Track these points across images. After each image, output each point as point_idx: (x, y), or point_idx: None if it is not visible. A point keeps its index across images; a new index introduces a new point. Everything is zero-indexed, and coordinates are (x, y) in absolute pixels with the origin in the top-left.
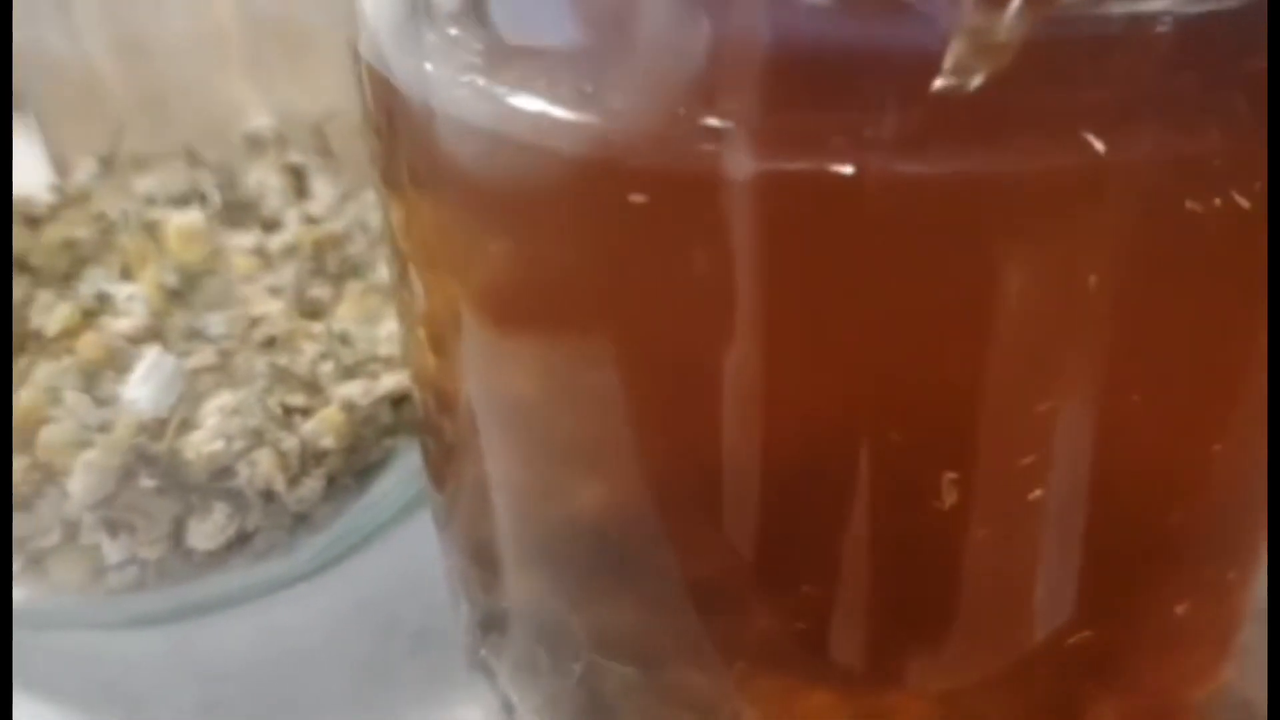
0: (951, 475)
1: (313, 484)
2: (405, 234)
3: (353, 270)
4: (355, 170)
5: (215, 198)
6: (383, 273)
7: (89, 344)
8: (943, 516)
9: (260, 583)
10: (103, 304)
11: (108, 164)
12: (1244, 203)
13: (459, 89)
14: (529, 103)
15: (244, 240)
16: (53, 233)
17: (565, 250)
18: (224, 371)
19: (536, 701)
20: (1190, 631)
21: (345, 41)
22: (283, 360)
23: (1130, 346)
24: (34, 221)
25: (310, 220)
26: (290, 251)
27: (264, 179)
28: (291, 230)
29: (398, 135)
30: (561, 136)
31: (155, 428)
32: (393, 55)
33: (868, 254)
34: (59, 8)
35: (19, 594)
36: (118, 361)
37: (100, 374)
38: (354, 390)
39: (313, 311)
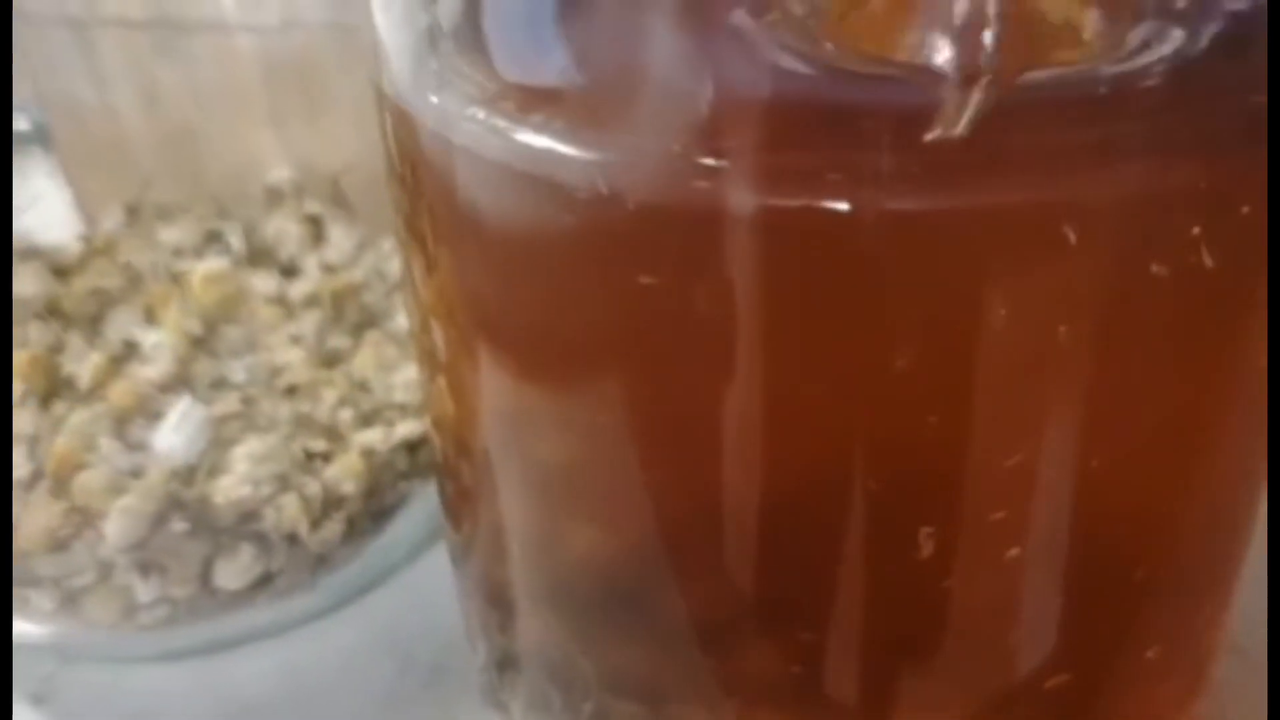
0: (928, 529)
1: (333, 527)
2: (426, 282)
3: (370, 320)
4: (371, 221)
5: (238, 247)
6: (399, 322)
7: (120, 392)
8: (925, 566)
9: (282, 619)
10: (129, 350)
11: (133, 213)
12: (1209, 261)
13: (466, 122)
14: (530, 138)
15: (266, 288)
16: (81, 282)
17: (572, 287)
18: (248, 418)
19: None
20: (1162, 671)
21: (368, 78)
22: (304, 407)
23: (1099, 403)
24: (64, 271)
25: (328, 268)
26: (311, 301)
27: (283, 228)
28: (311, 277)
29: (418, 172)
30: (562, 171)
31: (186, 474)
32: (410, 89)
33: (854, 293)
34: (86, 59)
35: (54, 629)
36: (147, 408)
37: (131, 420)
38: (373, 437)
39: (332, 360)
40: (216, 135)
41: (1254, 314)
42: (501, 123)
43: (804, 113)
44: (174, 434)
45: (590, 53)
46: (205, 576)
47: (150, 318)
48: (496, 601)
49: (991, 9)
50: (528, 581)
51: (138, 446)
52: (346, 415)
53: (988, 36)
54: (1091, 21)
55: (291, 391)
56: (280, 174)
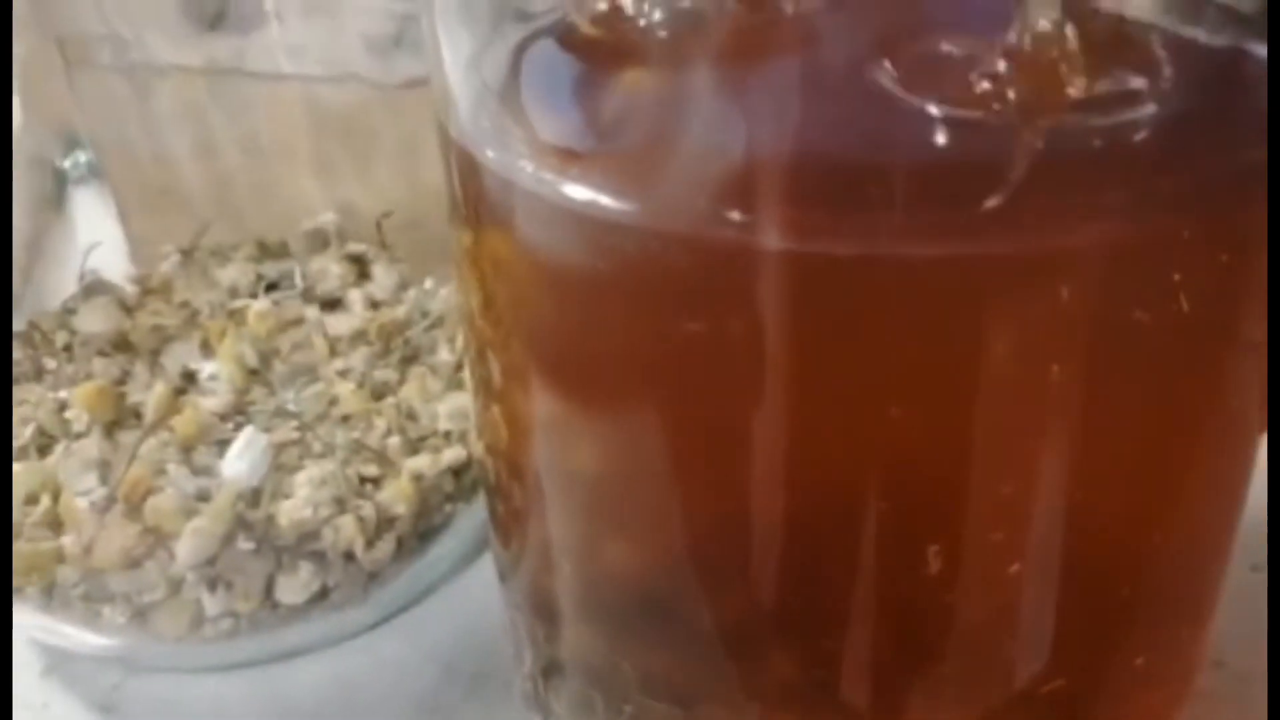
0: (935, 547)
1: (385, 546)
2: (483, 314)
3: (415, 354)
4: (411, 260)
5: (289, 286)
6: (441, 356)
7: (185, 421)
8: (932, 581)
9: (335, 632)
10: (188, 381)
11: (188, 255)
12: (1187, 306)
13: (518, 172)
14: (571, 189)
15: (316, 325)
16: (144, 318)
17: (615, 320)
18: (304, 445)
19: None
20: (1149, 679)
21: (435, 121)
22: (357, 435)
23: (1088, 436)
24: (129, 307)
25: (373, 303)
26: (359, 336)
27: (327, 268)
28: (356, 311)
29: (479, 210)
30: (603, 218)
31: (251, 497)
32: (473, 135)
33: (865, 337)
34: (141, 107)
35: (123, 641)
36: (209, 436)
37: (195, 448)
38: (422, 463)
39: (380, 392)
40: (265, 180)
41: (1230, 354)
42: (546, 175)
43: (821, 161)
44: (239, 460)
45: (615, 117)
46: (268, 592)
47: (207, 352)
48: (543, 612)
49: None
50: (572, 593)
51: (203, 472)
52: (395, 442)
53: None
54: (1081, 80)
55: (345, 420)
56: (325, 218)
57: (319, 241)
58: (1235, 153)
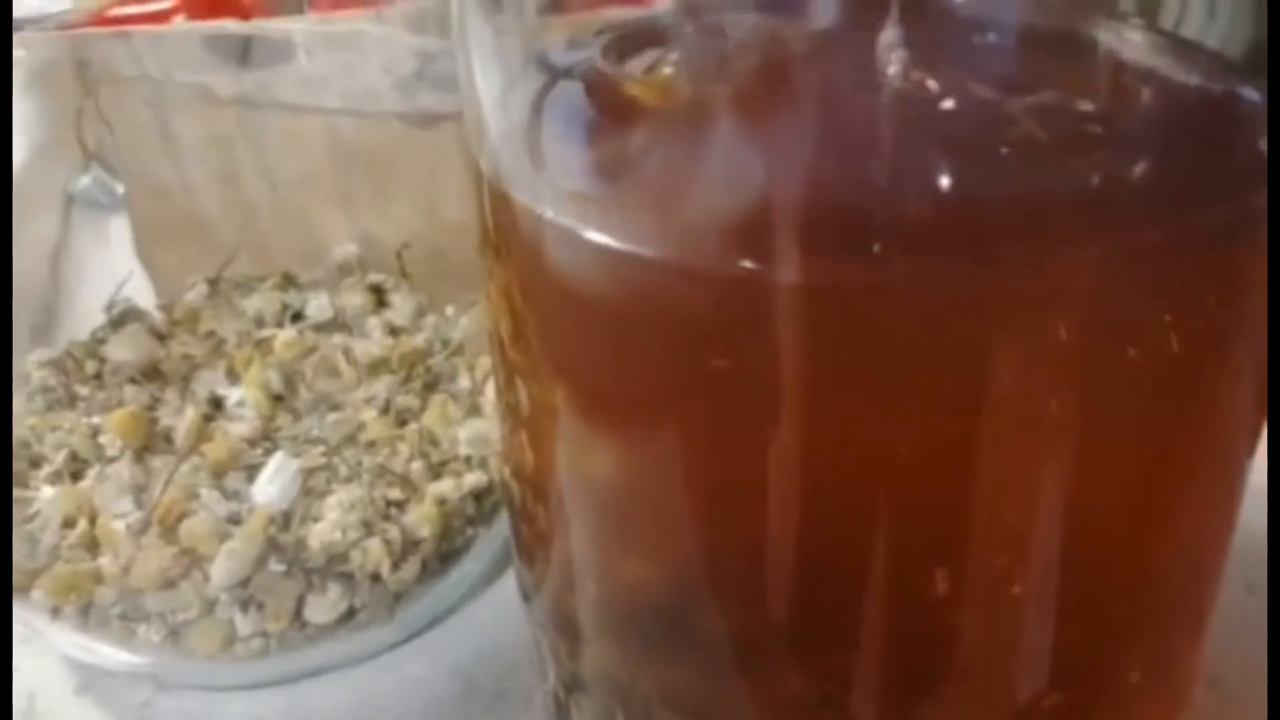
0: (943, 570)
1: (410, 567)
2: (513, 342)
3: (435, 381)
4: (429, 290)
5: (315, 315)
6: (461, 383)
7: (216, 448)
8: (940, 601)
9: (360, 651)
10: (216, 407)
11: (214, 286)
12: (1177, 346)
13: (542, 212)
14: (590, 232)
15: (339, 353)
16: (175, 346)
17: (637, 350)
18: (331, 470)
19: None
20: (1144, 693)
21: (466, 154)
22: (381, 461)
23: (1084, 466)
24: (160, 336)
25: (391, 329)
26: (381, 364)
27: (351, 297)
28: (377, 339)
29: (510, 243)
30: (622, 256)
31: (282, 520)
32: (502, 170)
33: (873, 372)
34: (166, 142)
35: (156, 659)
36: (238, 461)
37: (226, 473)
38: (445, 487)
39: (403, 419)
40: (288, 212)
41: (1218, 388)
42: (565, 219)
43: (823, 207)
44: (270, 485)
45: (630, 161)
46: (298, 612)
47: (234, 379)
48: (566, 629)
49: None
50: (594, 611)
51: (233, 495)
52: (418, 467)
53: None
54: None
55: (371, 446)
56: (348, 249)
57: (342, 272)
58: (1228, 199)
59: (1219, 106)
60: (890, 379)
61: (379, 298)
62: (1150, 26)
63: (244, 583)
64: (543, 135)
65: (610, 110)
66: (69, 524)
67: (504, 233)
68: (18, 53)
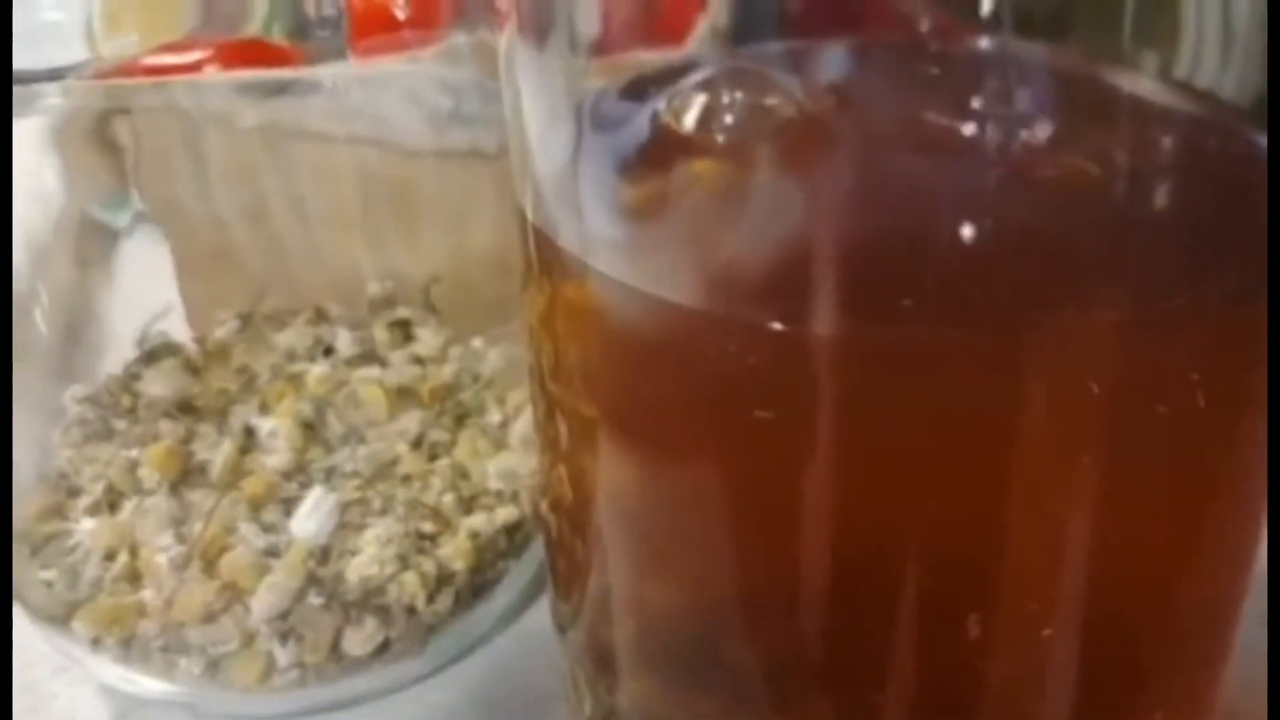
0: (976, 615)
1: (444, 600)
2: (553, 377)
3: (465, 415)
4: (456, 323)
5: (345, 350)
6: (490, 418)
7: (254, 482)
8: (973, 644)
9: (392, 682)
10: (249, 438)
11: (246, 320)
12: (1203, 401)
13: (586, 258)
14: (625, 278)
15: (370, 386)
16: (211, 380)
17: (675, 390)
18: (365, 504)
19: None
20: None
21: (513, 205)
22: (415, 494)
23: (1113, 517)
24: (195, 369)
25: (417, 359)
26: (410, 398)
27: (381, 332)
28: (406, 372)
29: (554, 280)
30: (660, 311)
31: (320, 554)
32: (550, 214)
33: (906, 422)
34: (196, 174)
35: (194, 689)
36: (275, 495)
37: (263, 507)
38: (478, 522)
39: (434, 453)
40: (318, 247)
41: (1241, 441)
42: (606, 264)
43: (854, 260)
44: (308, 520)
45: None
46: (335, 644)
47: (264, 409)
48: (602, 662)
49: None
50: (630, 644)
51: (270, 529)
52: (449, 500)
53: None
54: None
55: (405, 480)
56: (380, 285)
57: (373, 308)
58: (1252, 258)
59: (1238, 162)
60: (922, 433)
61: (405, 332)
62: (1165, 77)
63: (284, 616)
64: (583, 178)
65: (650, 158)
66: (110, 556)
67: (547, 268)
68: (55, 100)
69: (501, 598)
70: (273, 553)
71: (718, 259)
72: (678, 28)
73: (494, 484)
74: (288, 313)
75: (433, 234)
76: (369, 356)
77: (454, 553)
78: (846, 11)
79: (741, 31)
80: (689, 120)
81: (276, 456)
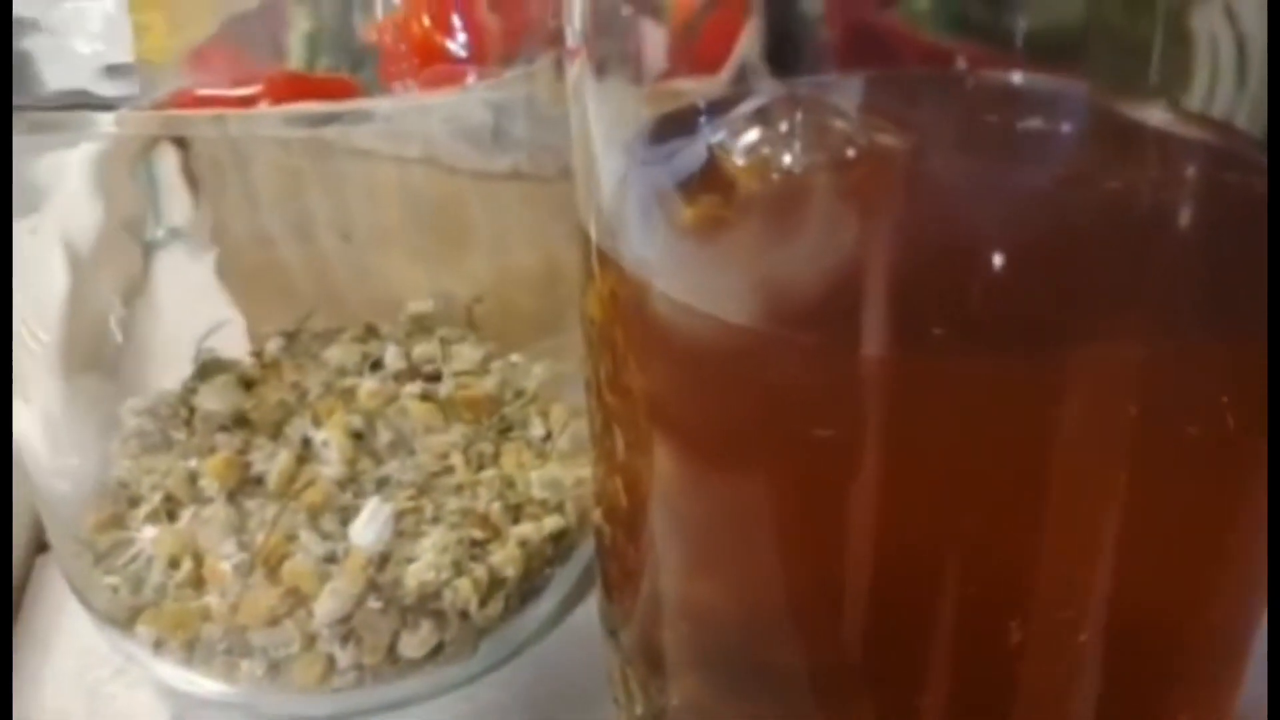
0: (1015, 622)
1: (495, 604)
2: (611, 388)
3: (509, 428)
4: (497, 340)
5: (392, 365)
6: (534, 431)
7: (313, 492)
8: (1012, 650)
9: (444, 683)
10: (306, 449)
11: (292, 338)
12: (1233, 422)
13: (647, 278)
14: (681, 299)
15: (418, 400)
16: (268, 394)
17: (731, 402)
18: (418, 513)
19: None
20: None
21: (578, 227)
22: (465, 503)
23: (1144, 533)
24: (248, 384)
25: (458, 374)
26: (455, 410)
27: (427, 348)
28: (448, 385)
29: (617, 297)
30: (720, 331)
31: (379, 560)
32: (613, 233)
33: (948, 442)
34: (246, 196)
35: (254, 690)
36: (331, 504)
37: (321, 515)
38: (527, 530)
39: (480, 465)
40: (364, 267)
41: (1266, 459)
42: (661, 288)
43: (884, 282)
44: (366, 529)
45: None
46: (391, 647)
47: (316, 421)
48: (653, 664)
49: None
50: (681, 645)
51: (328, 537)
52: (497, 509)
53: None
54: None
55: (458, 489)
56: (423, 304)
57: (416, 324)
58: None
59: (1256, 191)
60: (969, 453)
61: (446, 350)
62: (1179, 108)
63: (345, 619)
64: (644, 202)
65: (710, 183)
66: (174, 563)
67: (608, 286)
68: (110, 129)
69: (548, 602)
70: (330, 559)
71: (777, 282)
72: (717, 57)
73: (539, 493)
74: (336, 330)
75: (475, 251)
76: (415, 371)
77: (505, 559)
78: (878, 43)
79: (776, 62)
80: (746, 147)
81: (331, 467)
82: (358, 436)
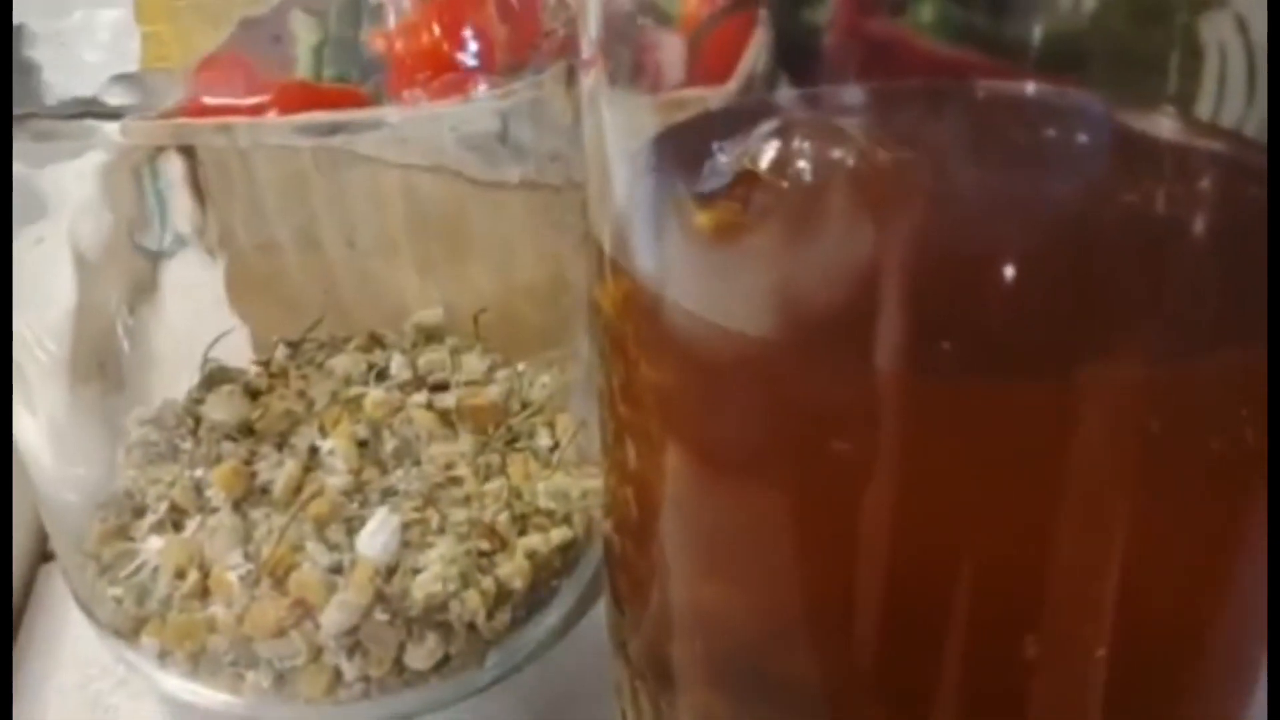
0: (1031, 636)
1: (503, 616)
2: (623, 397)
3: (515, 439)
4: (503, 350)
5: (398, 374)
6: (540, 441)
7: (320, 503)
8: (1023, 665)
9: (450, 694)
10: (313, 458)
11: (297, 348)
12: (1252, 436)
13: (661, 290)
14: (693, 310)
15: (423, 409)
16: (273, 403)
17: (744, 414)
18: (425, 524)
19: None
20: None
21: (591, 236)
22: (472, 514)
23: (1158, 550)
24: (254, 394)
25: (464, 384)
26: (461, 420)
27: (432, 357)
28: (450, 393)
29: (630, 307)
30: (727, 342)
31: (386, 572)
32: (626, 244)
33: (963, 458)
34: (253, 204)
35: (259, 702)
36: (338, 515)
37: (328, 526)
38: (535, 541)
39: (486, 475)
40: (368, 276)
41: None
42: (675, 300)
43: (901, 299)
44: (373, 540)
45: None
46: (398, 659)
47: (323, 432)
48: (664, 676)
49: None
50: (693, 658)
51: (335, 547)
52: (504, 519)
53: None
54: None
55: (466, 500)
56: (429, 313)
57: (421, 333)
58: None
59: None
60: (988, 470)
61: (452, 360)
62: (1189, 117)
63: (351, 631)
64: (659, 213)
65: (726, 194)
66: (180, 574)
67: (623, 297)
68: (116, 138)
69: (555, 613)
70: (337, 570)
71: (792, 294)
72: (726, 67)
73: (546, 504)
74: (342, 339)
75: (479, 262)
76: (421, 381)
77: (513, 571)
78: (885, 53)
79: (784, 72)
80: (763, 158)
81: (337, 477)
82: (364, 445)
